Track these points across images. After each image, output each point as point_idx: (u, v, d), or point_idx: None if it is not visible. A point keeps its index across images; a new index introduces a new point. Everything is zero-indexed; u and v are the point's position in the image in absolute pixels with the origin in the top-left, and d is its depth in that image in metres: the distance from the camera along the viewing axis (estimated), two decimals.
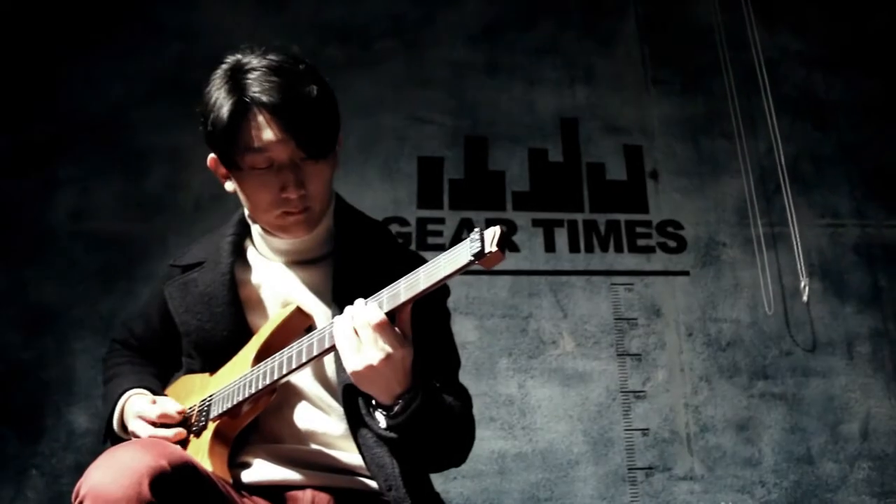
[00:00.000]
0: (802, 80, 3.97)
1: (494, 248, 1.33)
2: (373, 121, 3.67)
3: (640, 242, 3.61)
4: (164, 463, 1.30)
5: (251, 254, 1.81)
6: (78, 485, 1.30)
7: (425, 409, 1.48)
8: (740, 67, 3.87)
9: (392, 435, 1.50)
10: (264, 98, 1.52)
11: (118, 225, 3.48)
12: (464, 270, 1.36)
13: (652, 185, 3.72)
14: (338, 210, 1.80)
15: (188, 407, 1.69)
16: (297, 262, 1.76)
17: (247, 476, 1.59)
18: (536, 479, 3.19)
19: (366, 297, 1.51)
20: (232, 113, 1.54)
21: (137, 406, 1.70)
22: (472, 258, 1.33)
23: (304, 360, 1.51)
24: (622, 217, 3.64)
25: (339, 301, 1.64)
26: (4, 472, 3.11)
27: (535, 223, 3.58)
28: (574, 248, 3.56)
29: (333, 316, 1.62)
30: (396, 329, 1.43)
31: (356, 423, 1.60)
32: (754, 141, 3.81)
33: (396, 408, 1.46)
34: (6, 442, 3.15)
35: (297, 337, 1.63)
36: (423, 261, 1.80)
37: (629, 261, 3.58)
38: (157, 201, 3.54)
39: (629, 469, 3.24)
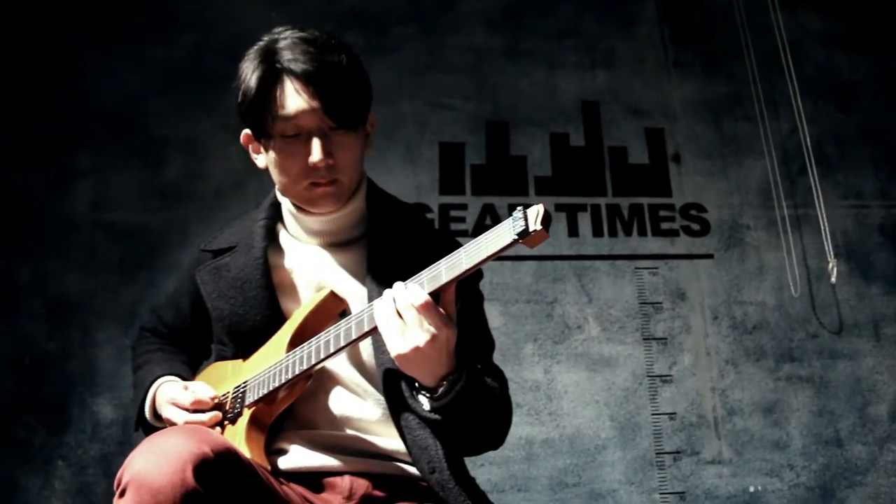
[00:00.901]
0: (824, 61, 3.93)
1: (539, 227, 1.30)
2: (393, 107, 3.65)
3: (664, 226, 3.59)
4: (207, 449, 1.28)
5: (284, 237, 1.79)
6: (119, 472, 1.28)
7: (469, 391, 1.46)
8: (761, 48, 3.83)
9: (436, 417, 1.49)
10: (293, 65, 1.52)
11: (138, 215, 3.47)
12: (506, 250, 1.33)
13: (674, 168, 3.69)
14: (370, 192, 1.78)
15: (221, 394, 1.67)
16: (331, 244, 1.74)
17: (283, 463, 1.56)
18: (564, 465, 3.18)
19: (401, 280, 1.48)
20: (261, 81, 1.54)
21: (170, 392, 1.68)
22: (516, 237, 1.31)
23: (342, 343, 1.49)
24: (645, 201, 3.62)
25: (374, 283, 1.63)
26: (31, 463, 3.11)
27: (559, 208, 3.55)
28: (597, 232, 3.54)
29: (370, 299, 1.61)
30: (440, 310, 1.42)
31: (397, 406, 1.58)
32: (776, 122, 3.77)
33: (441, 389, 1.45)
34: (33, 433, 3.15)
35: (331, 321, 1.62)
36: (458, 244, 1.79)
37: (653, 244, 3.56)
38: (177, 190, 3.52)
39: (657, 453, 3.22)
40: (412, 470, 1.59)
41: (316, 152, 1.56)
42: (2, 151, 3.52)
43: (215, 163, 3.55)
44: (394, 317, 1.41)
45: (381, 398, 1.62)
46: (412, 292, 1.40)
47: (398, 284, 1.44)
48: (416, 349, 1.39)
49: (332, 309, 1.64)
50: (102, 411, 3.19)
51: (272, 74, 1.54)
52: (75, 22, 3.73)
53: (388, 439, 1.61)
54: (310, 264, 1.72)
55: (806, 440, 3.30)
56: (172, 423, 1.63)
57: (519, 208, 1.32)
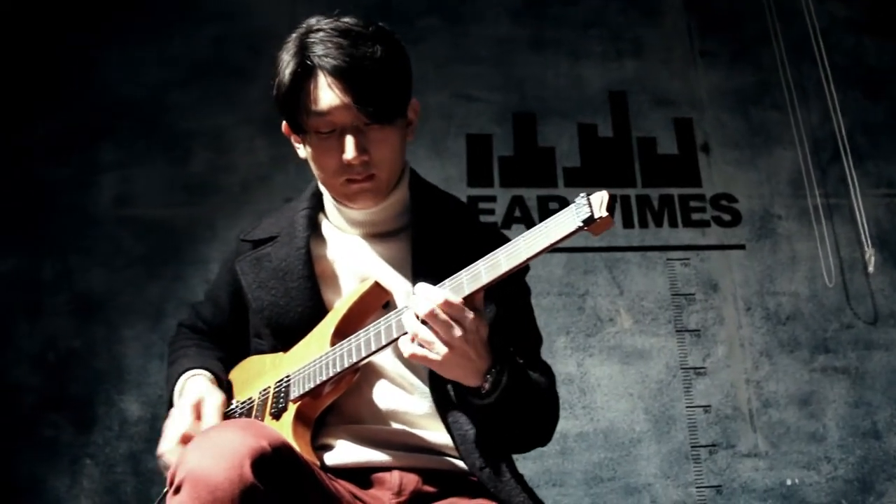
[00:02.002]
0: (852, 48, 3.88)
1: (605, 214, 1.27)
2: (418, 99, 3.58)
3: (695, 216, 3.54)
4: (264, 444, 1.24)
5: (326, 227, 1.74)
6: (173, 468, 1.24)
7: (514, 386, 1.43)
8: (789, 37, 3.79)
9: (483, 414, 1.45)
10: (325, 61, 1.48)
11: (163, 210, 3.42)
12: (568, 238, 1.29)
13: (704, 159, 3.65)
14: (413, 182, 1.74)
15: (262, 388, 1.63)
16: (374, 234, 1.70)
17: (330, 458, 1.52)
18: (599, 459, 3.14)
19: (446, 270, 1.44)
20: (294, 76, 1.51)
21: (185, 397, 1.64)
22: (581, 224, 1.27)
23: (394, 335, 1.44)
24: (675, 191, 3.57)
25: (418, 274, 1.58)
26: (59, 462, 3.06)
27: None
28: (628, 223, 3.50)
29: (415, 289, 1.58)
30: (460, 302, 1.37)
31: (444, 402, 1.54)
32: (806, 111, 3.72)
33: (487, 386, 1.41)
34: (60, 431, 3.11)
35: (375, 312, 1.59)
36: (504, 237, 1.75)
37: (684, 235, 3.51)
38: (202, 184, 3.48)
39: (692, 447, 3.18)
40: (461, 465, 1.54)
41: (350, 150, 1.52)
42: (25, 147, 3.48)
43: (241, 156, 3.51)
44: (421, 329, 1.36)
45: (428, 391, 1.58)
46: (427, 295, 1.36)
47: (416, 289, 1.40)
48: (452, 351, 1.34)
49: (377, 300, 1.59)
50: (130, 409, 3.15)
51: (304, 69, 1.50)
52: (98, 15, 3.69)
53: (436, 433, 1.57)
54: (353, 255, 1.68)
55: (843, 432, 3.25)
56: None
57: (581, 195, 1.28)
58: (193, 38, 3.71)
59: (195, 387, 1.67)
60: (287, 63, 1.53)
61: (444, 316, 1.35)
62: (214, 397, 1.62)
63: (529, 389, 1.51)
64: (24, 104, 3.53)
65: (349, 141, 1.52)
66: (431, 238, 1.66)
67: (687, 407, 3.24)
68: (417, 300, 1.37)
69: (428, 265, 1.59)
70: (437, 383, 1.54)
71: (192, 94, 3.60)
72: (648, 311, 3.37)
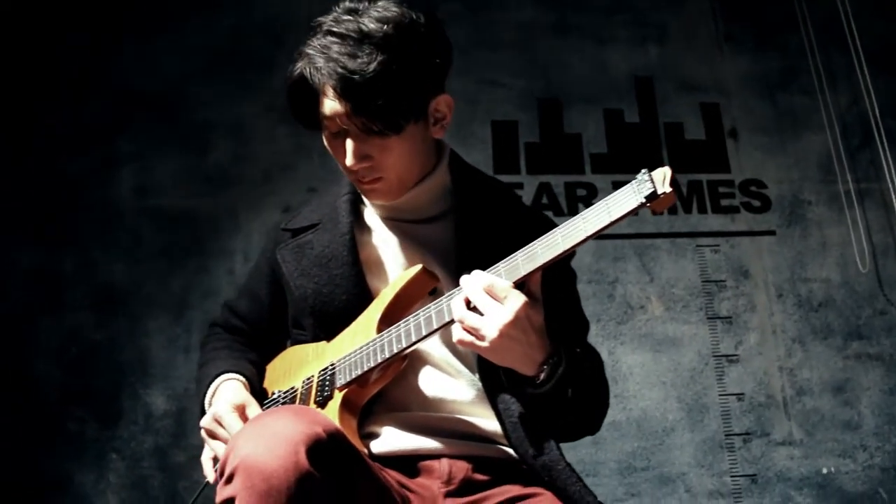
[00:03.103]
0: (882, 32, 3.82)
1: (668, 189, 1.24)
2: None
3: (724, 202, 3.49)
4: (319, 430, 1.19)
5: (368, 213, 1.70)
6: (224, 457, 1.19)
7: (570, 376, 1.38)
8: (816, 20, 3.73)
9: (539, 403, 1.41)
10: (322, 71, 1.44)
11: (184, 201, 3.38)
12: (630, 216, 1.27)
13: (732, 144, 3.60)
14: (453, 166, 1.69)
15: (305, 378, 1.59)
16: (415, 220, 1.65)
17: (377, 446, 1.48)
18: (632, 448, 3.09)
19: (491, 254, 1.41)
20: (300, 78, 1.50)
21: (219, 402, 1.59)
22: (644, 201, 1.24)
23: (445, 319, 1.39)
24: (704, 177, 3.52)
25: (462, 259, 1.55)
26: (85, 457, 3.02)
27: (616, 185, 3.38)
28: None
29: (459, 274, 1.52)
30: (510, 285, 1.33)
31: (494, 388, 1.50)
32: (834, 95, 3.67)
33: (542, 375, 1.36)
34: (85, 425, 3.06)
35: (422, 298, 1.54)
36: (550, 220, 1.71)
37: (713, 221, 3.46)
38: (224, 175, 3.43)
39: (726, 435, 3.14)
40: (512, 452, 1.50)
41: (349, 157, 1.50)
42: (45, 140, 3.43)
43: (262, 146, 3.46)
44: (468, 315, 1.32)
45: (475, 378, 1.54)
46: (475, 279, 1.33)
47: (463, 278, 1.36)
48: (501, 337, 1.30)
49: (423, 286, 1.55)
50: (155, 402, 3.10)
51: (308, 74, 1.47)
52: (116, 7, 3.64)
53: (485, 420, 1.53)
54: (397, 240, 1.64)
55: (878, 420, 3.21)
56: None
57: (643, 171, 1.26)
58: (212, 27, 3.65)
59: (230, 392, 1.62)
60: (295, 62, 1.52)
61: (491, 300, 1.31)
62: (254, 406, 1.59)
63: (584, 378, 1.46)
64: (43, 97, 3.48)
65: (349, 148, 1.49)
66: (475, 222, 1.61)
67: (720, 395, 3.19)
68: (466, 284, 1.33)
69: (473, 249, 1.56)
70: (486, 369, 1.50)
71: (211, 84, 3.55)
72: (679, 298, 3.32)
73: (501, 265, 1.36)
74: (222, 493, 1.18)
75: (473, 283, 1.33)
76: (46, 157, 3.41)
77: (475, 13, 3.72)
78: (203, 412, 1.66)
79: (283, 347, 1.91)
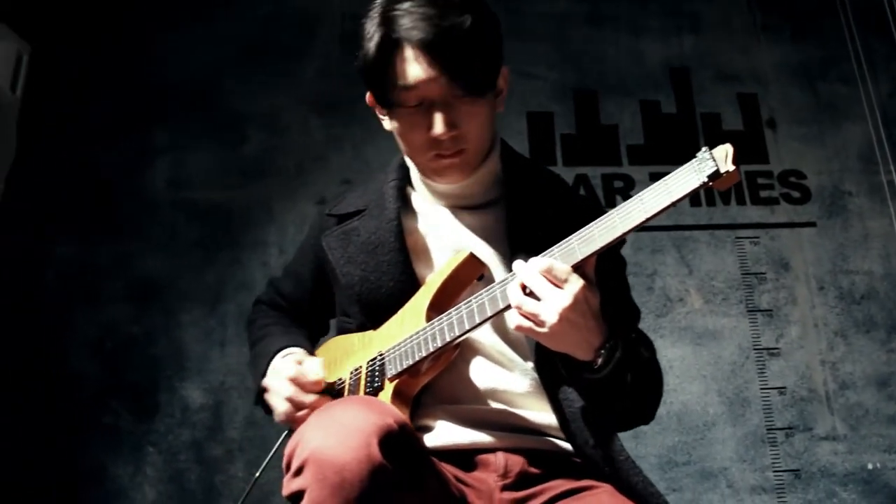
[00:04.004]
0: None
1: (731, 167, 1.21)
2: None
3: (763, 194, 3.44)
4: (390, 421, 1.17)
5: (415, 199, 1.67)
6: (290, 449, 1.17)
7: (627, 361, 1.36)
8: (854, 6, 3.68)
9: (596, 389, 1.38)
10: (411, 33, 1.40)
11: (218, 193, 3.36)
12: (690, 196, 1.25)
13: (770, 135, 3.54)
14: (504, 154, 1.66)
15: (353, 368, 1.56)
16: (465, 206, 1.62)
17: (432, 440, 1.45)
18: (673, 443, 3.04)
19: (542, 241, 1.38)
20: (379, 48, 1.44)
21: (281, 364, 1.58)
22: (707, 180, 1.22)
23: (499, 306, 1.36)
24: (742, 168, 3.46)
25: (514, 246, 1.53)
26: (122, 450, 3.00)
27: (654, 177, 3.35)
28: (695, 201, 3.40)
29: (510, 262, 1.50)
30: (569, 268, 1.31)
31: (552, 378, 1.47)
32: (875, 84, 3.61)
33: (600, 360, 1.33)
34: (121, 419, 3.05)
35: (470, 285, 1.51)
36: (601, 206, 1.68)
37: (753, 213, 3.41)
38: (258, 166, 3.41)
39: (768, 430, 3.08)
40: (565, 445, 1.47)
41: (438, 125, 1.45)
42: (80, 133, 3.42)
43: (295, 137, 3.44)
44: (526, 301, 1.29)
45: (528, 368, 1.51)
46: (532, 263, 1.30)
47: (518, 263, 1.34)
48: (561, 322, 1.27)
49: (472, 273, 1.52)
50: (191, 396, 3.08)
51: (390, 42, 1.43)
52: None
53: (538, 412, 1.49)
54: (445, 227, 1.61)
55: None
56: (271, 391, 1.55)
57: (704, 149, 1.23)
58: (244, 18, 3.64)
59: (284, 363, 1.60)
60: (371, 34, 1.45)
61: (549, 285, 1.28)
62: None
63: (640, 364, 1.45)
64: (77, 90, 3.47)
65: (438, 116, 1.45)
66: (525, 209, 1.59)
67: (761, 389, 3.14)
68: (523, 269, 1.30)
69: (523, 236, 1.53)
70: (543, 358, 1.47)
71: (244, 76, 3.53)
72: (719, 291, 3.28)
73: (556, 249, 1.33)
74: (290, 485, 1.16)
75: (530, 267, 1.30)
76: (81, 150, 3.40)
77: (508, 4, 3.67)
78: (260, 387, 1.65)
79: (323, 331, 1.90)
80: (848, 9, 3.63)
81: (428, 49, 1.40)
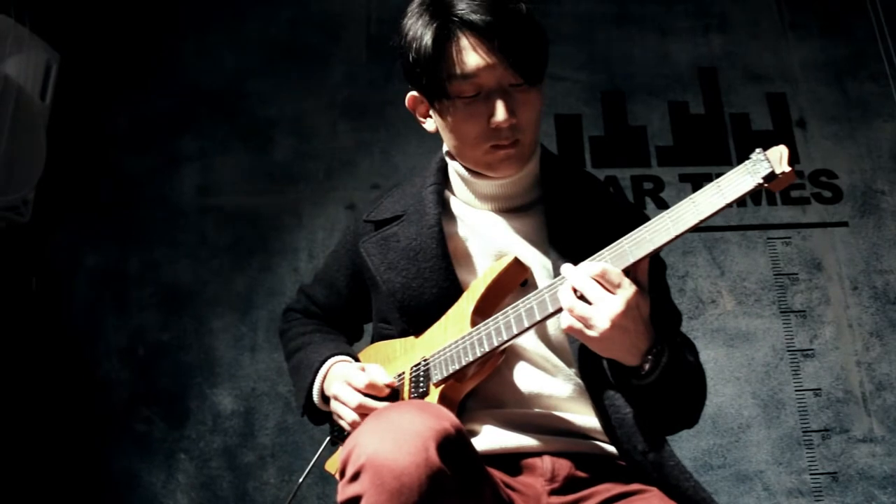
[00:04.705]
0: None
1: (787, 168, 1.20)
2: None
3: (794, 194, 3.40)
4: (446, 425, 1.15)
5: (455, 203, 1.65)
6: (344, 455, 1.15)
7: (674, 366, 1.34)
8: (884, 3, 3.64)
9: (643, 394, 1.36)
10: (471, 17, 1.39)
11: (247, 199, 3.36)
12: (744, 197, 1.24)
13: (800, 134, 3.51)
14: (542, 155, 1.65)
15: (396, 375, 1.54)
16: (506, 209, 1.61)
17: (478, 444, 1.43)
18: (707, 446, 3.01)
19: (583, 244, 1.37)
20: (436, 38, 1.42)
21: (345, 371, 1.55)
22: (762, 181, 1.20)
23: (549, 310, 1.35)
24: None
25: (557, 250, 1.50)
26: (154, 457, 3.01)
27: (683, 178, 3.39)
28: None
29: (555, 266, 1.49)
30: (621, 273, 1.29)
31: (597, 383, 1.45)
32: None
33: (647, 366, 1.32)
34: (152, 426, 3.05)
35: (513, 290, 1.50)
36: (641, 212, 1.66)
37: (784, 213, 3.37)
38: (286, 172, 3.40)
39: (804, 432, 3.05)
40: (610, 449, 1.45)
41: (500, 112, 1.43)
42: (108, 140, 3.44)
43: (324, 142, 3.43)
44: (578, 304, 1.27)
45: (571, 373, 1.49)
46: (585, 267, 1.28)
47: (568, 266, 1.32)
48: (613, 328, 1.25)
49: (516, 277, 1.50)
50: (222, 402, 3.08)
51: (447, 29, 1.41)
52: (173, 3, 3.64)
53: (583, 416, 1.48)
54: (486, 231, 1.59)
55: None
56: (338, 401, 1.51)
57: (758, 150, 1.22)
58: (269, 23, 3.64)
59: (349, 370, 1.58)
60: (424, 28, 1.44)
61: (601, 289, 1.26)
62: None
63: (686, 368, 1.43)
64: (106, 98, 3.48)
65: (499, 103, 1.43)
66: (566, 211, 1.57)
67: (796, 390, 3.10)
68: (575, 272, 1.28)
69: (565, 239, 1.51)
70: (588, 363, 1.45)
71: (270, 81, 3.53)
72: (751, 292, 3.24)
73: (606, 252, 1.31)
74: (346, 490, 1.14)
75: (583, 271, 1.28)
76: (110, 158, 3.41)
77: (532, 5, 3.66)
78: (309, 400, 1.64)
79: (357, 337, 1.89)
80: (878, 5, 3.59)
81: (487, 35, 1.40)
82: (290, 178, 3.39)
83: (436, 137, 1.63)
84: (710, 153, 3.45)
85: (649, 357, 1.32)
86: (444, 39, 1.42)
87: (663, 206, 3.30)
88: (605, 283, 1.27)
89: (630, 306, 1.26)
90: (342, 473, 1.16)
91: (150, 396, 3.09)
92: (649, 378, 1.32)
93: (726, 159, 3.44)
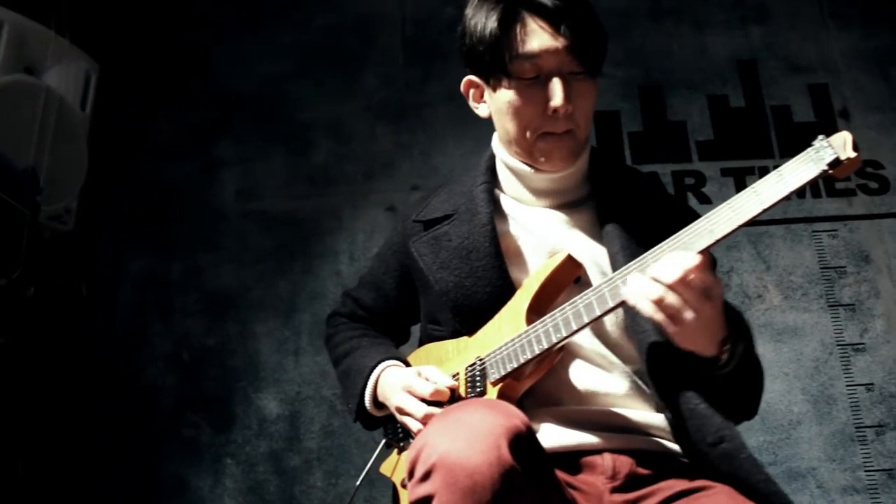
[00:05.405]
0: None
1: (852, 154, 1.19)
2: None
3: (839, 185, 3.34)
4: (517, 422, 1.14)
5: (505, 201, 1.64)
6: (414, 454, 1.14)
7: (747, 355, 1.34)
8: None
9: (720, 385, 1.35)
10: (540, 0, 1.41)
11: (287, 202, 3.37)
12: (808, 185, 1.23)
13: (843, 125, 3.44)
14: (591, 151, 1.64)
15: (451, 375, 1.53)
16: (557, 205, 1.60)
17: None
18: (758, 443, 2.96)
19: (636, 239, 1.40)
20: (503, 17, 1.44)
21: (403, 379, 1.53)
22: (827, 168, 1.19)
23: (609, 305, 1.33)
24: None
25: (613, 243, 1.50)
26: (200, 462, 3.02)
27: (725, 173, 3.35)
28: None
29: (612, 259, 1.48)
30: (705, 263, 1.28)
31: (664, 378, 1.42)
32: None
33: (725, 356, 1.31)
34: (199, 431, 3.07)
35: (567, 287, 1.48)
36: (687, 205, 1.65)
37: (829, 206, 3.32)
38: (325, 175, 3.41)
39: (857, 428, 2.99)
40: (672, 445, 1.43)
41: (558, 95, 1.43)
42: (149, 147, 3.47)
43: (362, 144, 3.44)
44: (669, 294, 1.24)
45: (628, 370, 1.48)
46: (676, 260, 1.25)
47: (649, 257, 1.31)
48: (698, 318, 1.23)
49: (569, 274, 1.49)
50: (268, 407, 3.09)
51: (514, 10, 1.43)
52: (207, 10, 3.67)
53: (641, 412, 1.46)
54: (539, 228, 1.58)
55: None
56: (403, 413, 1.49)
57: (820, 137, 1.21)
58: (305, 28, 3.65)
59: (400, 374, 1.58)
60: (489, 10, 1.47)
61: (685, 281, 1.23)
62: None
63: (755, 357, 1.43)
64: (144, 106, 3.52)
65: (557, 88, 1.43)
66: (617, 205, 1.56)
67: (847, 386, 3.05)
68: (664, 266, 1.25)
69: (618, 233, 1.50)
70: (654, 359, 1.43)
71: (307, 85, 3.55)
72: (798, 287, 3.19)
73: (666, 245, 1.30)
74: (416, 490, 1.13)
75: (675, 262, 1.25)
76: (150, 165, 3.45)
77: None
78: (362, 406, 1.64)
79: (404, 340, 1.88)
80: None
81: (554, 19, 1.42)
82: (330, 182, 3.40)
83: (476, 138, 1.65)
84: (752, 146, 3.40)
85: (726, 347, 1.31)
86: (511, 19, 1.44)
87: (706, 201, 3.27)
88: (688, 274, 1.24)
89: (716, 297, 1.25)
90: (411, 474, 1.15)
91: (197, 401, 3.11)
92: (727, 368, 1.32)
93: (768, 152, 3.39)
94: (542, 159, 1.54)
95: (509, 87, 1.48)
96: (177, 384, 3.13)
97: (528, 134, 1.51)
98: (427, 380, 1.49)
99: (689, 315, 1.23)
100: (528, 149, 1.54)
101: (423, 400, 1.47)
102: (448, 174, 3.25)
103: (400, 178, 3.36)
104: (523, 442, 1.14)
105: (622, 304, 1.32)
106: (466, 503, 1.07)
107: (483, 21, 1.48)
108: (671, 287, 1.24)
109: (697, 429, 1.38)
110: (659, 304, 1.25)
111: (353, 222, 3.30)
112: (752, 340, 1.43)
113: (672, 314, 1.24)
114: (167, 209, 3.38)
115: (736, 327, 1.35)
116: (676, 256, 1.25)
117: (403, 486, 1.52)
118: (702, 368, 1.35)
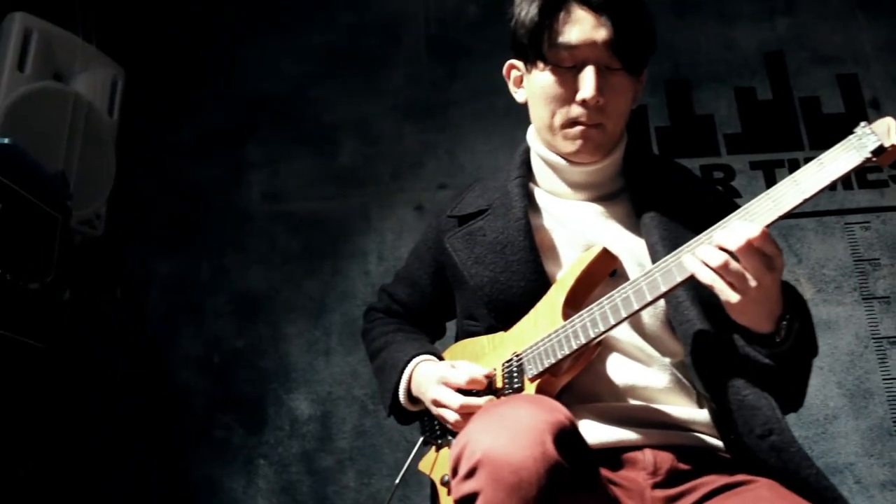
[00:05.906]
0: None
1: None
2: None
3: (871, 177, 3.30)
4: (561, 417, 1.13)
5: (540, 195, 1.63)
6: (457, 452, 1.13)
7: (804, 333, 1.32)
8: None
9: (777, 364, 1.32)
10: None
11: (315, 203, 3.38)
12: (851, 173, 1.20)
13: (874, 115, 3.39)
14: (628, 145, 1.63)
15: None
16: (592, 199, 1.59)
17: None
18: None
19: (673, 230, 1.39)
20: (545, 5, 1.44)
21: (438, 372, 1.53)
22: (870, 155, 1.17)
23: (662, 289, 1.31)
24: None
25: (651, 235, 1.48)
26: (233, 463, 3.04)
27: (754, 166, 3.31)
28: None
29: (652, 251, 1.46)
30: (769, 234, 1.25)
31: (711, 368, 1.40)
32: None
33: (783, 332, 1.28)
34: (231, 432, 3.08)
35: (603, 280, 1.46)
36: (727, 196, 1.63)
37: (861, 197, 3.28)
38: (352, 175, 3.42)
39: (894, 422, 2.95)
40: (712, 441, 1.41)
41: (589, 87, 1.42)
42: (176, 150, 3.49)
43: (389, 144, 3.44)
44: (730, 262, 1.22)
45: (667, 363, 1.46)
46: (744, 228, 1.22)
47: (719, 229, 1.26)
48: (759, 288, 1.21)
49: (605, 268, 1.47)
50: (299, 407, 3.10)
51: (556, 2, 1.43)
52: (232, 11, 3.68)
53: (680, 407, 1.44)
54: (574, 221, 1.56)
55: None
56: (440, 405, 1.49)
57: (862, 124, 1.19)
58: (329, 28, 3.66)
59: (435, 367, 1.58)
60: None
61: (765, 250, 1.22)
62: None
63: (812, 336, 1.40)
64: (170, 110, 3.54)
65: (590, 79, 1.43)
66: (653, 197, 1.54)
67: (884, 379, 3.01)
68: (729, 233, 1.23)
69: (655, 224, 1.49)
70: (700, 346, 1.40)
71: (333, 85, 3.55)
72: (831, 279, 3.16)
73: (704, 235, 1.28)
74: (461, 488, 1.12)
75: (740, 231, 1.23)
76: (177, 169, 3.47)
77: None
78: (395, 399, 1.64)
79: (440, 335, 1.88)
80: None
81: (598, 13, 1.42)
82: (357, 182, 3.40)
83: (502, 134, 1.64)
84: (781, 139, 3.37)
85: (784, 323, 1.29)
86: (553, 8, 1.45)
87: (735, 195, 3.23)
88: (758, 243, 1.22)
89: (778, 268, 1.23)
90: (455, 471, 1.14)
91: (228, 403, 3.12)
92: (783, 346, 1.30)
93: (798, 144, 3.35)
94: (568, 149, 1.53)
95: (546, 72, 1.48)
96: (208, 386, 3.15)
97: (556, 119, 1.51)
98: (457, 369, 1.49)
99: (751, 283, 1.21)
100: (553, 136, 1.54)
101: (459, 391, 1.46)
102: (475, 172, 3.24)
103: (427, 176, 3.35)
104: (568, 437, 1.13)
105: (662, 295, 1.31)
106: (512, 499, 1.06)
107: (528, 6, 1.48)
108: (736, 253, 1.22)
109: (745, 421, 1.36)
110: (723, 269, 1.22)
111: (382, 222, 3.30)
112: (809, 318, 1.41)
113: (733, 281, 1.22)
114: (195, 212, 3.40)
115: (793, 305, 1.33)
116: (740, 225, 1.23)
117: (443, 483, 1.51)
118: (759, 344, 1.32)
